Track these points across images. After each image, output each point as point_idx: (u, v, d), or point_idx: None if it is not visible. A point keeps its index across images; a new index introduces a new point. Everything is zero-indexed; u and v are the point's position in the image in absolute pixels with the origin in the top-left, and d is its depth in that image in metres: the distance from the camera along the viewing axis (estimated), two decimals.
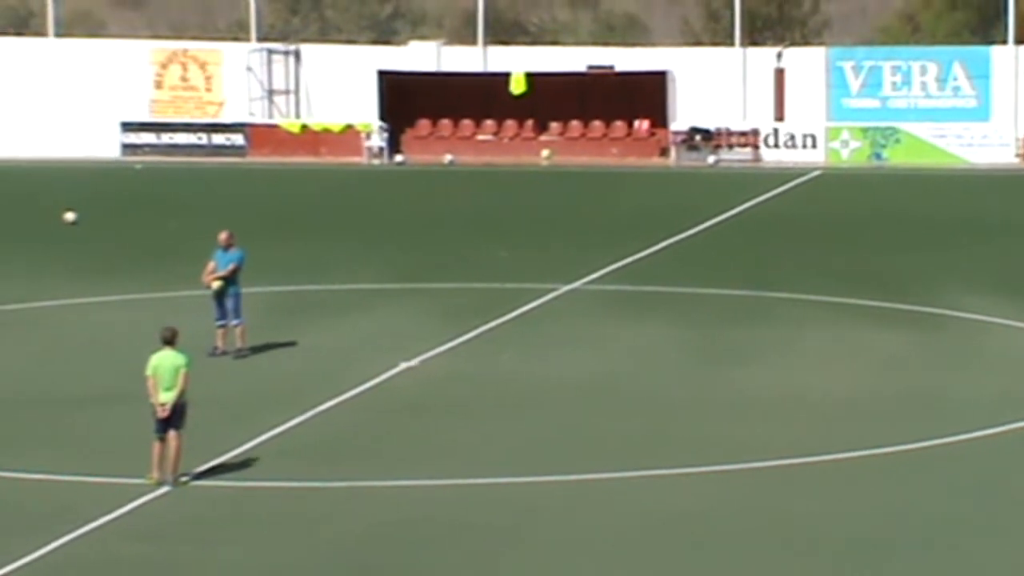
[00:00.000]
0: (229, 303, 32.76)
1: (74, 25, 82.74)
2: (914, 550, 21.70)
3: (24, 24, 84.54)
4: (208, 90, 77.82)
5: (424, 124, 76.96)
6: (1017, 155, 71.44)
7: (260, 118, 76.82)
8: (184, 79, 77.85)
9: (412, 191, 65.62)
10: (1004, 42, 72.88)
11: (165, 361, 24.22)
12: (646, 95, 74.44)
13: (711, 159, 72.58)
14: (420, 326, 35.73)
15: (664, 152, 74.62)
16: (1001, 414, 28.14)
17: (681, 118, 74.13)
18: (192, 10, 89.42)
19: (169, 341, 24.47)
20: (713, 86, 73.93)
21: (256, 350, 33.07)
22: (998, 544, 21.89)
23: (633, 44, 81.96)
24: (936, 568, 21.03)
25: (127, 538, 22.36)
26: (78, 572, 21.09)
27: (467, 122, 76.93)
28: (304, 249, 47.11)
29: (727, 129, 73.41)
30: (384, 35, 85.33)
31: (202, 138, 76.48)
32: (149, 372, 24.24)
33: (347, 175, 70.39)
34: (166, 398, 24.01)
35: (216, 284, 32.70)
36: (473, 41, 77.65)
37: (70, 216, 49.42)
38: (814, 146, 73.06)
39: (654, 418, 28.70)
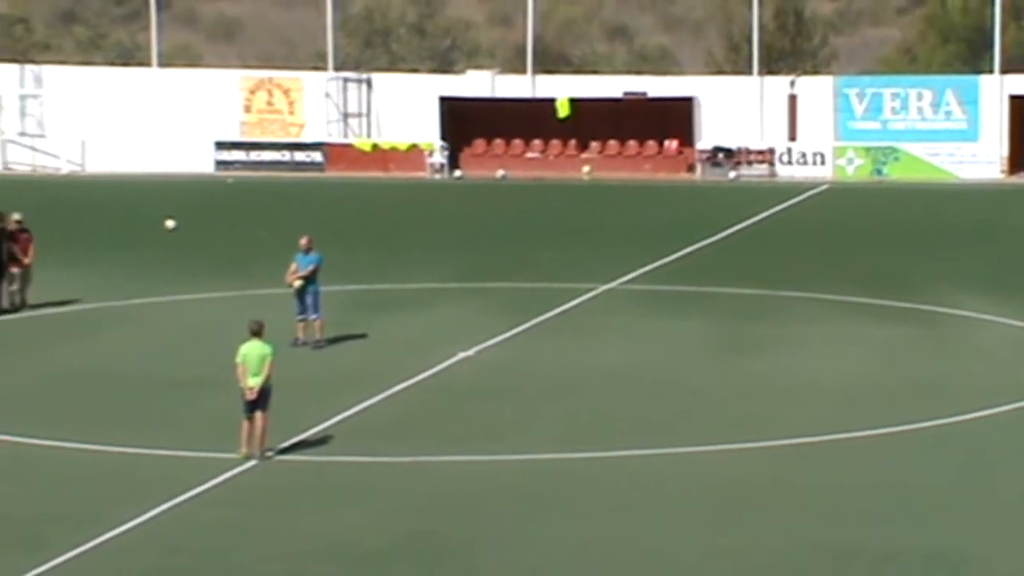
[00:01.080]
0: (309, 300, 32.88)
1: (174, 57, 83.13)
2: (914, 519, 21.66)
3: (131, 56, 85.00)
4: (291, 113, 78.00)
5: (480, 143, 77.01)
6: (1002, 171, 71.28)
7: (336, 138, 76.98)
8: (270, 103, 78.05)
9: (469, 202, 65.66)
10: (991, 72, 72.65)
11: (253, 350, 24.31)
12: (675, 118, 74.41)
13: (732, 174, 72.47)
14: (476, 320, 35.76)
15: (691, 168, 74.53)
16: (990, 399, 28.10)
17: (706, 138, 74.05)
18: (277, 43, 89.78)
19: (257, 333, 24.57)
20: (734, 110, 73.88)
21: (332, 341, 33.14)
22: (986, 512, 21.88)
23: (663, 73, 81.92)
24: (932, 533, 20.98)
25: (220, 504, 22.49)
26: (179, 533, 21.17)
27: (517, 142, 76.95)
28: (374, 253, 47.20)
29: (746, 148, 73.30)
30: (444, 65, 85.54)
31: (285, 155, 76.66)
32: (239, 360, 24.35)
33: (412, 188, 70.48)
34: (254, 383, 24.11)
35: (298, 283, 32.83)
36: (523, 70, 77.67)
37: (170, 224, 49.56)
38: (823, 163, 72.91)
39: (683, 401, 28.73)
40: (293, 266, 33.00)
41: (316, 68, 79.25)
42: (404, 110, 76.48)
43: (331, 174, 74.81)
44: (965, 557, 20.12)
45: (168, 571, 19.77)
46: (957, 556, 20.15)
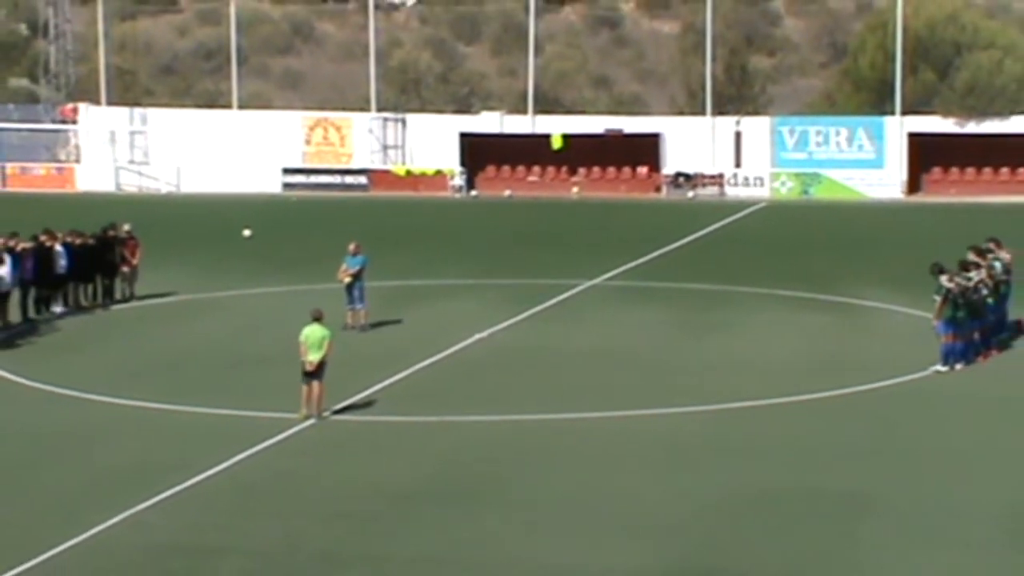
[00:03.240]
0: (356, 293, 32.93)
1: (250, 101, 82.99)
2: (831, 466, 21.71)
3: (215, 100, 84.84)
4: (342, 145, 78.01)
5: (491, 169, 77.07)
6: (902, 192, 71.34)
7: (378, 165, 77.00)
8: (326, 138, 78.08)
9: (483, 216, 65.71)
10: (893, 114, 72.69)
11: (314, 332, 24.35)
12: (645, 149, 74.48)
13: (690, 194, 72.49)
14: (489, 309, 35.77)
15: (658, 189, 74.54)
16: (894, 371, 28.13)
17: (670, 165, 74.09)
18: (331, 90, 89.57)
19: (317, 318, 24.61)
20: (692, 143, 73.96)
21: (375, 326, 33.19)
22: (888, 460, 21.95)
23: (636, 114, 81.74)
24: (846, 477, 21.03)
25: (285, 455, 22.53)
26: (253, 477, 21.22)
27: (521, 168, 77.04)
28: (408, 256, 47.19)
29: (701, 173, 73.32)
30: (463, 107, 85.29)
31: (338, 179, 76.70)
32: (302, 339, 24.40)
33: (438, 205, 70.51)
34: (314, 357, 24.16)
35: (347, 279, 32.90)
36: (525, 111, 77.66)
37: (247, 232, 49.68)
38: (762, 185, 72.96)
39: (652, 373, 28.74)
40: (344, 266, 33.07)
41: (362, 110, 79.21)
42: (431, 143, 76.63)
43: (374, 193, 74.89)
44: (872, 494, 20.17)
45: (244, 508, 19.82)
46: (865, 494, 20.20)
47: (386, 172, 76.58)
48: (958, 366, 28.32)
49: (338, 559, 17.77)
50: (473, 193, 74.96)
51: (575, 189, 74.78)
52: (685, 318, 35.23)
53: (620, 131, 75.61)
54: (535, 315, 35.30)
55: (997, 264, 30.52)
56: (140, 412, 25.40)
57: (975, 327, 28.93)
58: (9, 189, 76.72)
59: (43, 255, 34.97)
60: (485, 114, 79.89)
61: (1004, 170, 72.68)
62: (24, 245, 34.57)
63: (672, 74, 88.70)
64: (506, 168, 77.17)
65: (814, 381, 27.35)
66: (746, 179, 73.33)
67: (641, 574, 17.16)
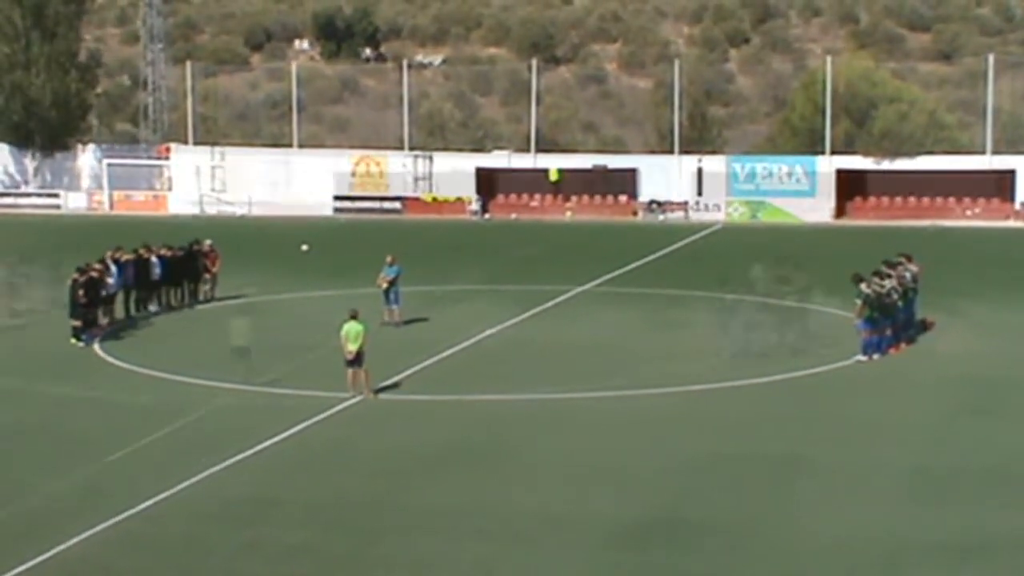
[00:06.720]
0: (392, 296, 33.02)
1: (307, 141, 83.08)
2: (767, 433, 21.76)
3: (279, 141, 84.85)
4: (381, 177, 78.01)
5: (501, 197, 76.87)
6: (831, 217, 71.26)
7: (410, 193, 76.99)
8: (368, 171, 78.01)
9: (494, 235, 65.64)
10: (824, 154, 72.68)
11: (352, 328, 24.48)
12: (625, 181, 74.37)
13: (661, 217, 72.39)
14: (498, 310, 35.78)
15: (635, 213, 74.39)
16: (822, 360, 28.15)
17: (644, 194, 74.01)
18: (372, 133, 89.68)
19: (354, 316, 24.73)
20: (663, 176, 73.89)
21: (407, 323, 33.24)
22: (812, 427, 21.95)
23: (617, 152, 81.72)
24: (778, 442, 21.06)
25: (335, 425, 22.65)
26: (308, 443, 21.32)
27: (525, 195, 76.91)
28: (433, 266, 47.11)
29: (670, 200, 73.28)
30: (479, 147, 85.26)
31: (378, 204, 76.64)
32: (342, 334, 24.48)
33: (458, 225, 70.48)
34: (353, 347, 24.28)
35: (385, 285, 32.99)
36: (528, 150, 77.64)
37: (305, 247, 49.66)
38: (719, 210, 72.78)
39: (626, 360, 28.76)
40: (382, 274, 33.16)
41: (397, 149, 79.27)
42: (453, 175, 76.59)
43: (407, 216, 74.88)
44: (805, 457, 20.26)
45: (300, 468, 19.93)
46: (800, 457, 20.28)
47: (416, 199, 76.52)
48: (875, 356, 28.39)
49: (375, 509, 17.86)
50: (486, 216, 74.91)
51: (568, 213, 74.75)
52: (656, 317, 35.24)
53: (604, 166, 75.55)
54: (535, 314, 35.35)
55: (907, 274, 30.60)
56: (217, 390, 25.49)
57: (887, 324, 28.99)
58: (116, 212, 77.04)
59: (141, 264, 35.15)
60: (496, 152, 79.84)
61: (912, 199, 72.81)
62: (126, 256, 34.80)
63: (646, 120, 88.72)
64: (513, 196, 76.95)
65: (759, 368, 27.38)
66: (706, 206, 73.20)
67: (619, 520, 17.25)
